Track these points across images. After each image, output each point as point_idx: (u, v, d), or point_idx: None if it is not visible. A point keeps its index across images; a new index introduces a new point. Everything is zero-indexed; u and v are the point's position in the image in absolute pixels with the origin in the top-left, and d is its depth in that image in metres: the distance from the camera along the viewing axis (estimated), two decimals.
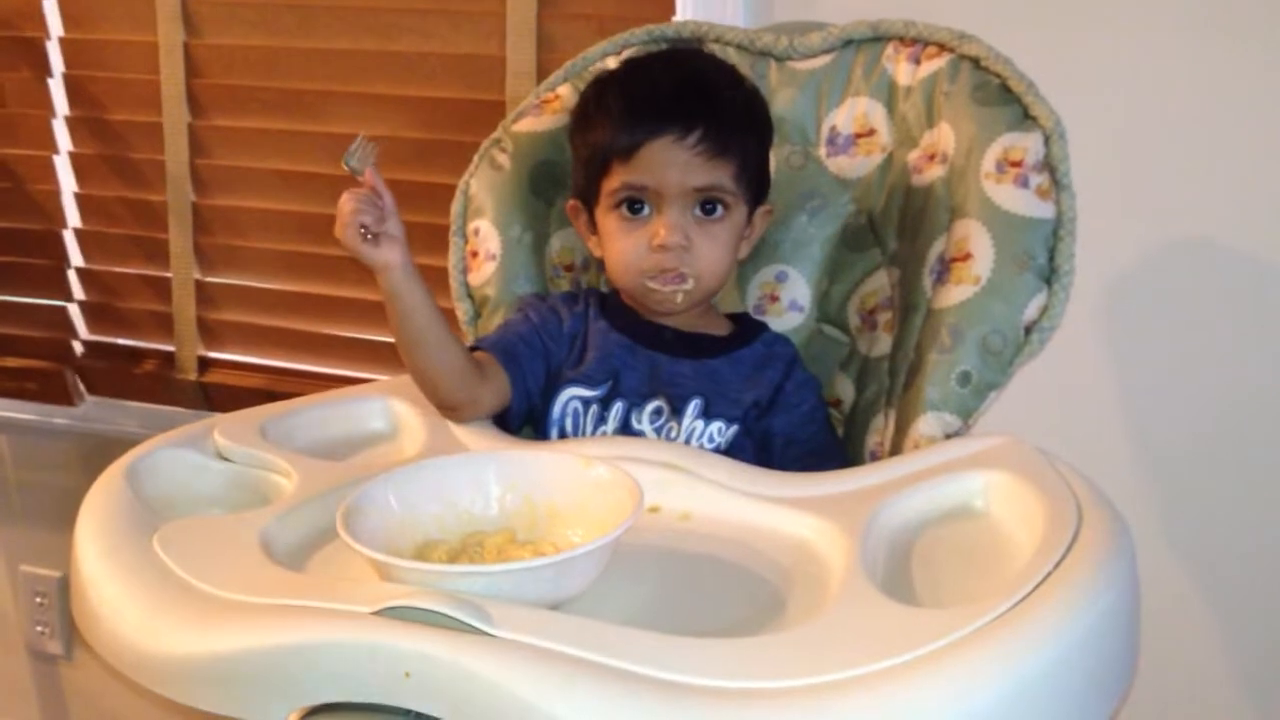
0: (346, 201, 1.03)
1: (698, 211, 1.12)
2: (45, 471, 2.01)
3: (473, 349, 1.14)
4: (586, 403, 1.14)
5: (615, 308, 1.19)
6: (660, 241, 1.11)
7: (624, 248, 1.13)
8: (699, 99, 1.12)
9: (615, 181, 1.12)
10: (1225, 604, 1.43)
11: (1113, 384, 1.42)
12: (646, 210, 1.12)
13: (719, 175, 1.11)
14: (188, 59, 1.78)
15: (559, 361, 1.17)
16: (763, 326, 1.21)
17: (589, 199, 1.17)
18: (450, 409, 1.10)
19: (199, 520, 0.92)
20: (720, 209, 1.12)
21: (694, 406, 1.13)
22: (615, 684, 0.69)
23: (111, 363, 1.94)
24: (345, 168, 1.05)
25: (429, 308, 1.06)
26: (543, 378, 1.16)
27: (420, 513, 0.89)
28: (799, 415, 1.15)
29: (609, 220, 1.15)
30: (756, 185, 1.16)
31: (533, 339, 1.16)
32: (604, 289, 1.25)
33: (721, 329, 1.20)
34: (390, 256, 1.04)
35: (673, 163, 1.10)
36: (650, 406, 1.13)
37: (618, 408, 1.13)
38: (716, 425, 1.12)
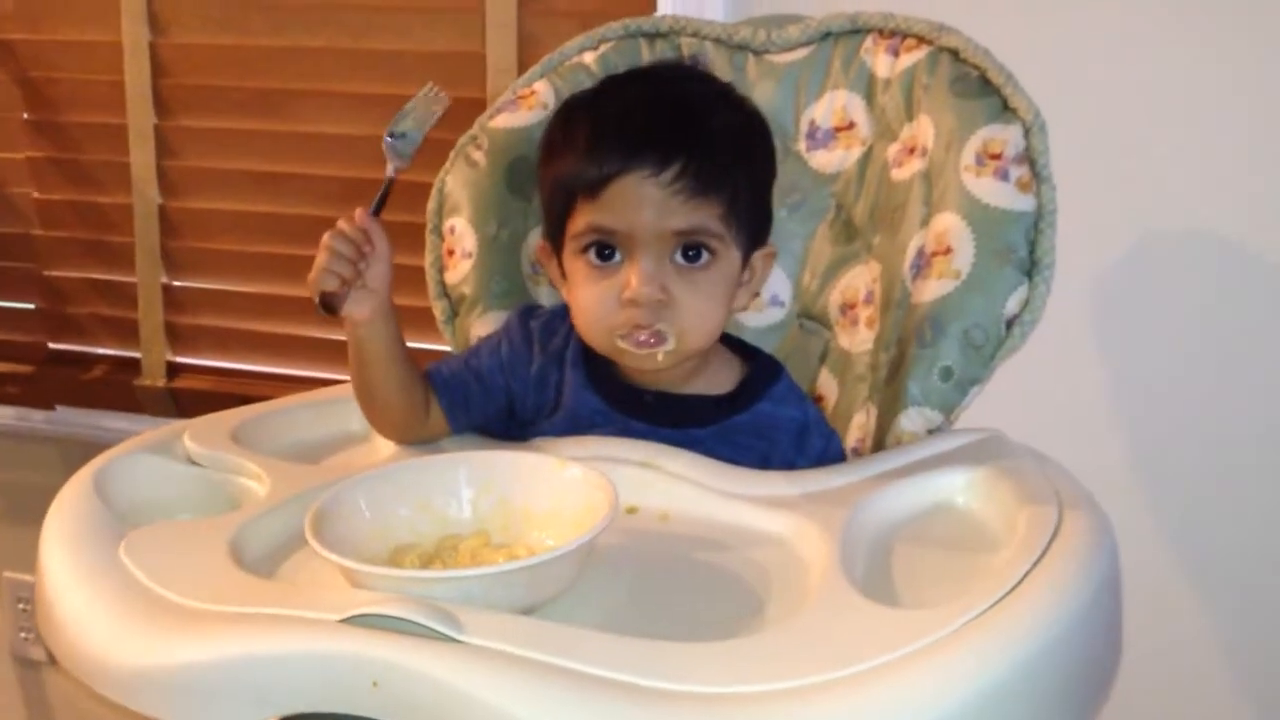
0: (322, 249, 0.97)
1: (679, 258, 0.98)
2: (27, 475, 2.00)
3: (429, 371, 1.08)
4: None
5: (595, 357, 1.06)
6: (631, 295, 0.97)
7: (591, 300, 1.00)
8: (678, 127, 0.98)
9: (581, 223, 0.99)
10: (1214, 599, 1.43)
11: (1096, 377, 1.41)
12: (618, 257, 0.99)
13: (701, 217, 0.97)
14: (153, 59, 1.76)
15: (529, 404, 1.09)
16: (774, 376, 1.08)
17: (556, 241, 1.05)
18: (387, 438, 1.07)
19: (166, 526, 0.91)
20: (705, 255, 0.98)
21: None
22: (589, 691, 0.68)
23: (77, 370, 1.91)
24: (386, 143, 0.95)
25: (381, 364, 1.01)
26: (500, 414, 1.09)
27: (392, 516, 0.88)
28: None
29: (575, 266, 1.01)
30: (753, 225, 1.03)
31: (493, 376, 1.08)
32: None
33: (722, 383, 1.07)
34: (352, 313, 0.98)
35: (646, 202, 0.96)
36: None
37: (586, 437, 1.03)
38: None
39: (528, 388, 1.09)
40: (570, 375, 1.07)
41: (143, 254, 1.82)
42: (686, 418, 1.04)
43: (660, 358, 1.00)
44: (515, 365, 1.09)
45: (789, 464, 1.04)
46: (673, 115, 1.00)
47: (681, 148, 0.97)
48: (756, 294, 1.10)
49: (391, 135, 0.98)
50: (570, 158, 1.00)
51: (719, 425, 1.04)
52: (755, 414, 1.05)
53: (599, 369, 1.07)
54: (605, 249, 0.99)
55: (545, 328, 1.11)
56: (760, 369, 1.09)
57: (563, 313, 1.10)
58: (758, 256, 1.06)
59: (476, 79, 1.59)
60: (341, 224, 0.99)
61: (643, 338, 0.98)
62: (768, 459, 1.04)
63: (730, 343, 1.12)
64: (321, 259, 0.97)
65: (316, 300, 0.97)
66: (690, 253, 0.99)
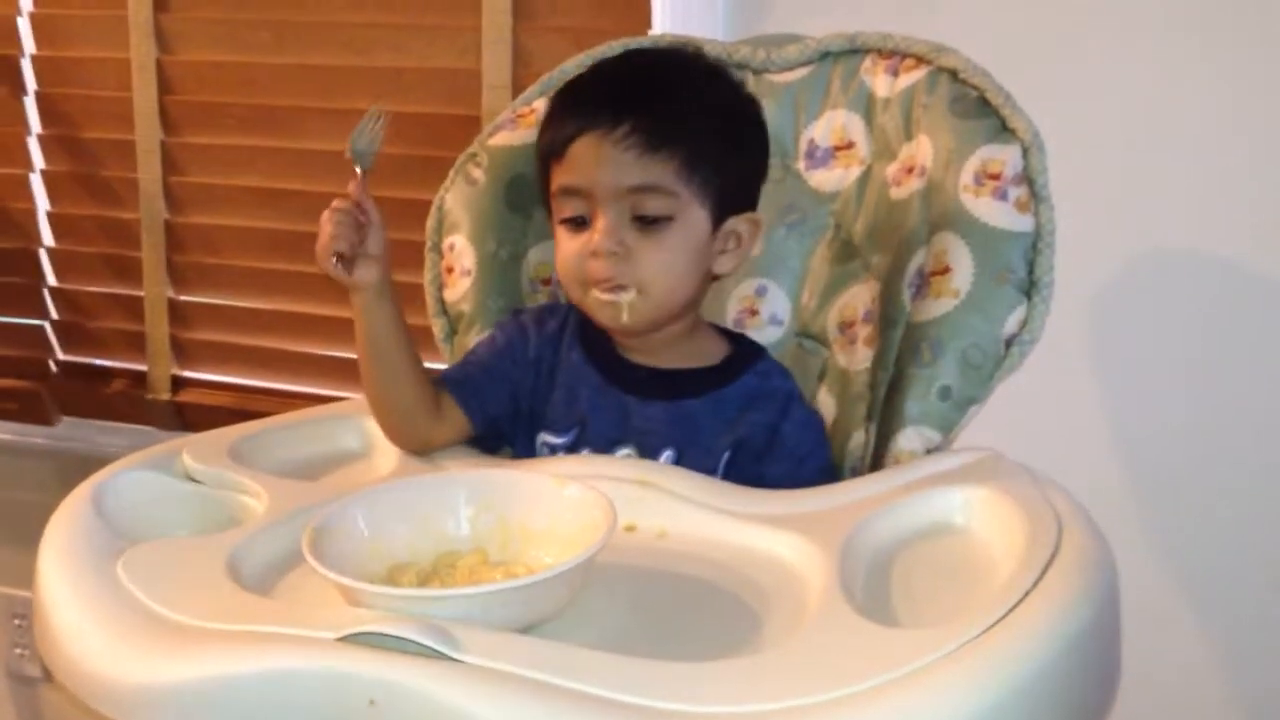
0: (325, 221, 1.00)
1: (637, 220, 1.03)
2: (24, 491, 1.99)
3: (435, 379, 1.10)
4: (554, 449, 1.09)
5: (593, 335, 1.12)
6: (592, 247, 1.02)
7: (564, 256, 1.06)
8: (632, 89, 1.05)
9: (554, 185, 1.06)
10: (1212, 618, 1.42)
11: (1094, 397, 1.41)
12: (588, 216, 1.04)
13: (655, 173, 1.01)
14: (160, 75, 1.77)
15: (527, 389, 1.12)
16: (758, 354, 1.13)
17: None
18: (401, 445, 1.08)
19: (164, 543, 0.90)
20: (661, 218, 1.02)
21: (665, 458, 1.06)
22: (587, 710, 0.68)
23: (84, 383, 1.92)
24: (349, 155, 1.02)
25: (392, 335, 1.04)
26: (507, 403, 1.11)
27: (390, 534, 0.88)
28: (795, 461, 1.06)
29: (558, 231, 1.07)
30: (723, 188, 1.05)
31: (496, 364, 1.12)
32: None
33: (710, 358, 1.11)
34: (362, 277, 1.01)
35: (602, 161, 1.02)
36: (620, 454, 1.07)
37: (585, 455, 1.08)
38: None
39: (527, 371, 1.12)
40: (568, 356, 1.12)
41: (150, 268, 1.82)
42: (678, 390, 1.09)
43: (625, 313, 1.04)
44: (513, 350, 1.13)
45: (773, 429, 1.07)
46: (629, 80, 1.07)
47: (633, 106, 1.02)
48: (740, 259, 1.11)
49: (353, 150, 1.04)
50: (545, 129, 1.09)
51: (710, 396, 1.08)
52: (742, 386, 1.09)
53: (596, 347, 1.11)
54: (579, 213, 1.04)
55: (538, 318, 1.15)
56: (745, 347, 1.14)
57: (553, 306, 1.18)
58: (741, 222, 1.08)
59: (472, 96, 1.59)
60: (337, 201, 1.02)
61: (607, 286, 1.03)
62: (755, 426, 1.07)
63: (714, 327, 1.17)
64: (327, 229, 1.00)
65: (332, 263, 1.00)
66: (648, 217, 1.02)
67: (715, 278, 1.12)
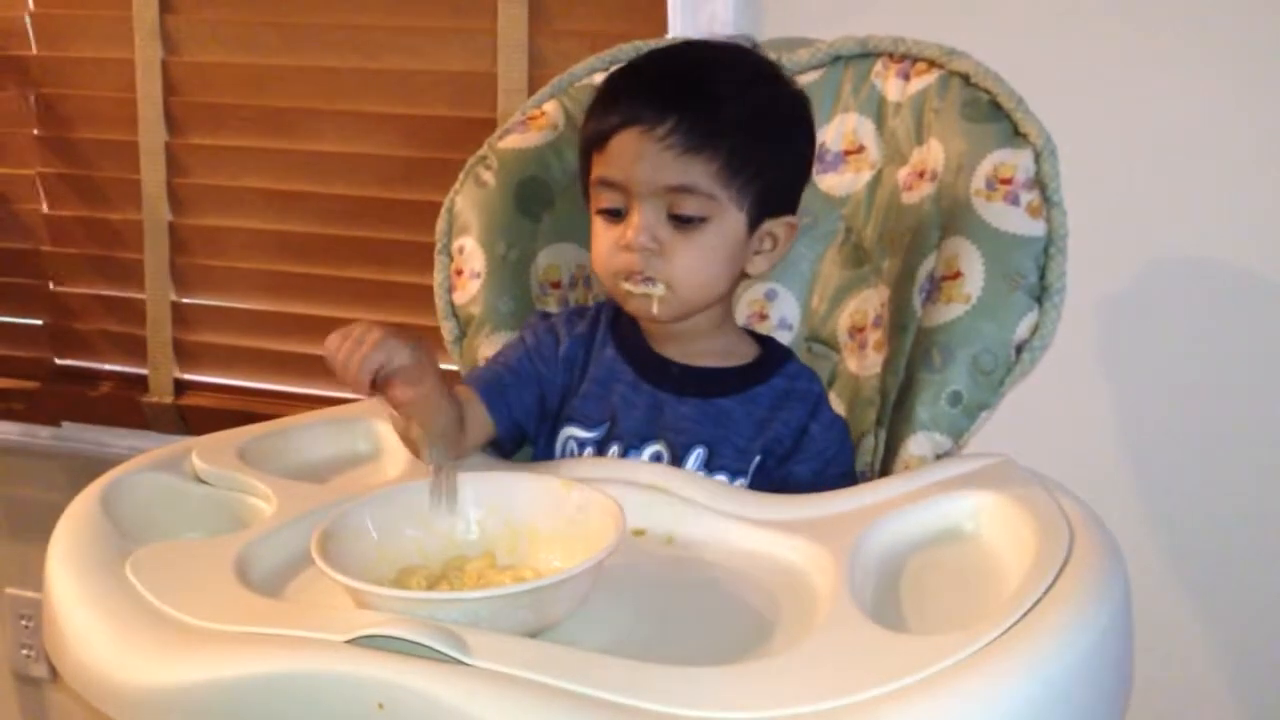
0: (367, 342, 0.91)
1: (672, 218, 1.03)
2: (30, 492, 2.00)
3: (463, 380, 1.10)
4: (582, 444, 1.08)
5: (626, 329, 1.12)
6: (625, 241, 1.03)
7: (599, 247, 1.06)
8: (679, 86, 1.03)
9: (593, 175, 1.06)
10: (1221, 625, 1.42)
11: (1105, 403, 1.40)
12: (625, 209, 1.04)
13: (695, 174, 1.01)
14: (165, 77, 1.76)
15: (558, 388, 1.11)
16: (787, 356, 1.13)
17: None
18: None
19: (173, 545, 0.90)
20: (696, 217, 1.02)
21: (696, 457, 1.05)
22: (595, 714, 0.68)
23: (86, 386, 1.91)
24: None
25: (429, 428, 0.97)
26: (533, 405, 1.10)
27: (399, 537, 0.88)
28: (823, 462, 1.07)
29: (595, 220, 1.08)
30: (763, 191, 1.04)
31: (522, 366, 1.10)
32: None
33: (741, 357, 1.12)
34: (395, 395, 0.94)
35: (642, 157, 1.01)
36: (649, 450, 1.06)
37: (614, 451, 1.07)
38: (720, 479, 1.04)
39: (556, 369, 1.11)
40: (600, 352, 1.12)
41: (152, 271, 1.82)
42: (711, 388, 1.08)
43: (656, 306, 1.04)
44: (542, 350, 1.12)
45: (801, 430, 1.07)
46: (677, 76, 1.05)
47: (678, 104, 1.01)
48: (774, 262, 1.11)
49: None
50: (590, 116, 1.08)
51: (744, 394, 1.08)
52: (773, 386, 1.09)
53: (628, 343, 1.11)
54: (616, 205, 1.04)
55: (568, 319, 1.15)
56: (773, 348, 1.14)
57: (581, 308, 1.18)
58: (778, 224, 1.08)
59: (487, 99, 1.59)
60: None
61: (639, 279, 1.03)
62: (785, 426, 1.07)
63: (742, 328, 1.17)
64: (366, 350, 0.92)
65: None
66: (684, 217, 1.02)
67: (747, 276, 1.12)
